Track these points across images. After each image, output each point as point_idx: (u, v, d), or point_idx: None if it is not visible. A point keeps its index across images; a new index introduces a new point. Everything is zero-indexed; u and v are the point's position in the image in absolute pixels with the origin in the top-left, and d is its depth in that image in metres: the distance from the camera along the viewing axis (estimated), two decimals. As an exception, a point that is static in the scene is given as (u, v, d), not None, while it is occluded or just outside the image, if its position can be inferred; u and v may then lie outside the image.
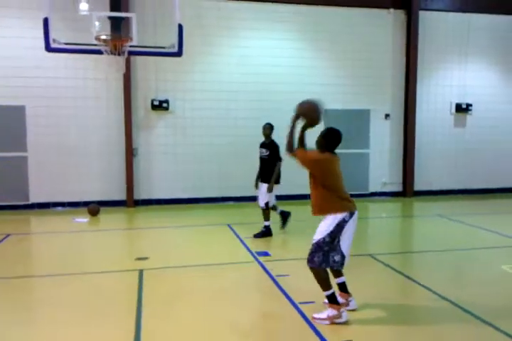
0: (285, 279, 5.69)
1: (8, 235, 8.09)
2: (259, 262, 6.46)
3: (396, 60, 12.00)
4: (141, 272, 6.03)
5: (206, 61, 11.08)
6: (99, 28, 7.31)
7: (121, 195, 11.03)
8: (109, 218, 9.85)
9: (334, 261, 4.40)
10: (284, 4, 11.32)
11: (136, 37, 7.15)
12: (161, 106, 10.94)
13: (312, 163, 4.49)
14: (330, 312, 4.39)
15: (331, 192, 4.42)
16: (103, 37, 7.05)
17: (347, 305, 4.65)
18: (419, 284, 5.55)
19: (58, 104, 10.54)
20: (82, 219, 9.57)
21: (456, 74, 12.27)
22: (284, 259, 6.66)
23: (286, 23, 11.41)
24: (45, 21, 7.04)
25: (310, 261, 4.44)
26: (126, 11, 9.51)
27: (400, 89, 12.07)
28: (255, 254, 6.83)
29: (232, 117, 11.35)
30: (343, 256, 4.43)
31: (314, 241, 4.44)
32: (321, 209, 4.47)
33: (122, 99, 10.74)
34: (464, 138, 12.37)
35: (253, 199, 11.16)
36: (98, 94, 10.73)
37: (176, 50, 7.45)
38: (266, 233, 7.86)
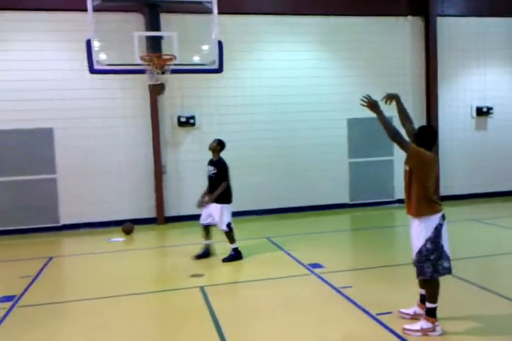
0: (350, 291, 5.69)
1: (50, 258, 8.06)
2: (316, 274, 6.45)
3: (416, 67, 12.11)
4: (202, 289, 6.02)
5: (230, 76, 11.12)
6: (138, 48, 7.37)
7: (151, 213, 11.02)
8: (144, 236, 9.82)
9: (444, 268, 4.31)
10: (302, 16, 11.43)
11: (179, 55, 7.20)
12: (188, 122, 10.99)
13: (424, 162, 4.32)
14: (424, 324, 4.35)
15: (427, 192, 4.33)
16: (146, 56, 7.08)
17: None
18: (493, 292, 5.54)
19: (86, 124, 10.55)
20: (118, 238, 9.54)
21: (475, 79, 12.38)
22: (339, 271, 6.65)
23: (305, 34, 11.51)
24: (88, 43, 7.10)
25: (421, 273, 4.36)
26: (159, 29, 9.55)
27: (421, 95, 12.16)
28: (308, 267, 6.82)
29: (257, 129, 11.40)
30: (449, 261, 4.34)
31: (416, 251, 4.37)
32: (418, 210, 4.34)
33: (149, 117, 10.79)
34: (485, 141, 12.44)
35: (269, 211, 11.27)
36: (125, 114, 10.79)
37: (216, 66, 7.50)
38: (236, 256, 7.40)
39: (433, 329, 4.31)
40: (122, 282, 6.55)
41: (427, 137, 4.45)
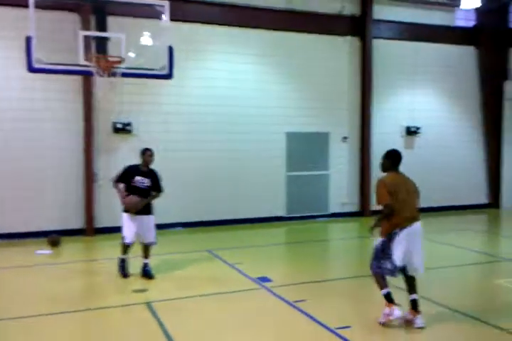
0: (305, 304, 5.62)
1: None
2: (267, 288, 6.33)
3: (352, 85, 12.51)
4: (149, 305, 5.67)
5: (170, 83, 10.78)
6: (84, 49, 6.95)
7: (80, 223, 10.39)
8: (72, 248, 9.16)
9: (386, 268, 4.98)
10: (247, 28, 11.46)
11: (127, 58, 6.88)
12: (124, 129, 10.53)
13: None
14: (386, 310, 4.92)
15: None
16: (93, 57, 6.68)
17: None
18: (433, 301, 5.70)
19: (12, 126, 9.79)
20: (44, 251, 8.84)
21: (406, 99, 13.02)
22: (289, 284, 6.57)
23: (248, 47, 11.53)
24: (28, 40, 6.60)
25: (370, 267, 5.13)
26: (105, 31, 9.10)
27: (356, 113, 12.57)
28: (257, 280, 6.68)
29: (197, 140, 11.18)
30: (395, 266, 4.92)
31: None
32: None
33: (82, 121, 10.22)
34: (413, 160, 13.05)
35: (208, 223, 11.07)
36: (55, 116, 10.13)
37: (166, 72, 7.25)
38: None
39: (390, 313, 4.86)
40: (58, 298, 6.02)
41: (393, 158, 5.24)
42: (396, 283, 5.36)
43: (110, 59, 7.01)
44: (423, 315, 4.99)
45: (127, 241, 6.79)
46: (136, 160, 10.56)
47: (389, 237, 4.91)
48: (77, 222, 10.39)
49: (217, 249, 8.75)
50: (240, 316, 5.35)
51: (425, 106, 13.26)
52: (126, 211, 6.81)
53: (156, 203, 11.06)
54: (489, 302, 5.89)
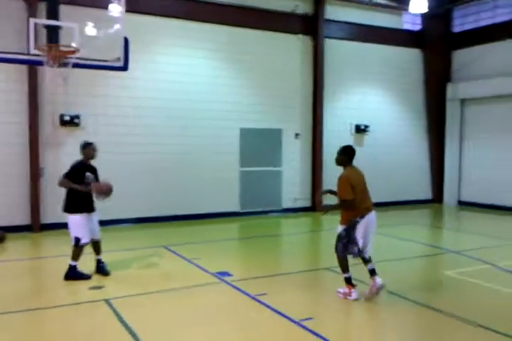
0: (266, 298, 5.65)
1: None
2: (227, 282, 6.31)
3: (304, 83, 12.69)
4: (108, 302, 5.51)
5: (120, 75, 10.49)
6: (33, 37, 6.63)
7: (26, 219, 9.95)
8: (18, 245, 8.76)
9: (352, 250, 5.64)
10: (200, 22, 11.35)
11: (80, 48, 6.63)
12: (72, 121, 10.16)
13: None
14: (345, 289, 5.65)
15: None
16: (44, 47, 6.39)
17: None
18: (392, 293, 5.90)
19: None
20: (-12, 248, 8.39)
21: (356, 98, 13.35)
22: (249, 278, 6.58)
23: (202, 41, 11.43)
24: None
25: (336, 250, 5.75)
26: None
27: (308, 110, 12.77)
28: (216, 275, 6.65)
29: (149, 134, 10.97)
30: (358, 248, 5.60)
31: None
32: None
33: (27, 113, 9.78)
34: (362, 157, 13.38)
35: (161, 219, 10.93)
36: (-1, 108, 9.66)
37: (121, 64, 7.05)
38: (75, 276, 6.40)
39: (349, 294, 5.58)
40: (5, 298, 5.73)
41: (349, 154, 5.75)
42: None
43: (63, 49, 6.72)
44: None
45: (86, 241, 6.43)
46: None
47: (351, 224, 5.52)
48: (23, 218, 9.98)
49: (173, 244, 8.63)
50: (203, 311, 5.31)
51: (374, 105, 13.67)
52: (79, 211, 6.37)
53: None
54: (445, 293, 6.15)
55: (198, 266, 7.12)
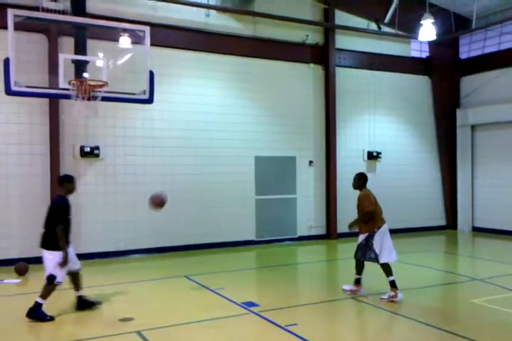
0: (297, 328, 5.63)
1: None
2: (255, 313, 6.30)
3: (317, 111, 12.91)
4: (140, 334, 5.51)
5: (138, 107, 10.72)
6: (63, 72, 6.85)
7: (45, 250, 9.96)
8: (41, 277, 8.75)
9: (370, 257, 6.93)
10: (217, 54, 11.64)
11: (108, 82, 6.83)
12: (92, 152, 10.32)
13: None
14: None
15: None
16: (75, 81, 6.59)
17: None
18: (418, 321, 5.87)
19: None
20: (12, 280, 8.42)
21: (367, 125, 13.53)
22: (277, 308, 6.55)
23: (219, 72, 11.68)
24: (6, 62, 6.42)
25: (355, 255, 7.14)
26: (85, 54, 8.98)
27: (321, 137, 12.93)
28: (243, 305, 6.63)
29: (166, 164, 11.10)
30: (376, 255, 6.84)
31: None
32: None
33: (48, 145, 9.97)
34: (375, 183, 13.47)
35: (177, 248, 10.94)
36: (20, 140, 9.83)
37: (147, 97, 7.24)
38: (39, 317, 6.07)
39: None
40: (41, 330, 5.74)
41: (364, 179, 7.16)
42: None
43: (91, 83, 6.92)
44: None
45: (60, 280, 6.15)
46: (103, 185, 10.48)
47: (370, 234, 6.84)
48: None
49: (194, 274, 8.63)
50: (237, 342, 5.29)
51: (385, 131, 13.84)
52: (60, 249, 6.02)
53: (124, 229, 10.91)
54: (474, 322, 6.12)
55: (223, 297, 7.11)
